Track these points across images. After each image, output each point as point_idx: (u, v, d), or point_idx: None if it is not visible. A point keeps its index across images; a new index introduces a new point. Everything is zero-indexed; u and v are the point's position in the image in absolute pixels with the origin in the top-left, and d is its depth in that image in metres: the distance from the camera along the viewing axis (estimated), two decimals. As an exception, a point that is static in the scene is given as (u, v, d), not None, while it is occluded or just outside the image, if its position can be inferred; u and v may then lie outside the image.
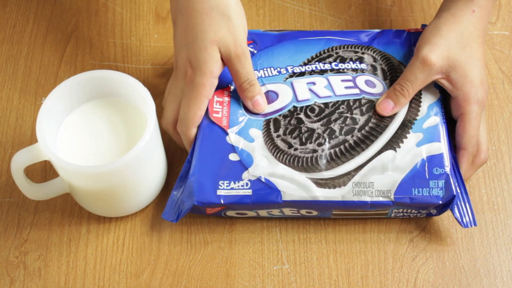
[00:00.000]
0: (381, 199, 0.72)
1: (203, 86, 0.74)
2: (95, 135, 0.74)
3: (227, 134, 0.76)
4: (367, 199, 0.72)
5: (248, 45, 0.81)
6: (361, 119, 0.76)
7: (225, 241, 0.76)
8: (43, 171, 0.80)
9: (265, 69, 0.80)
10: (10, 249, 0.76)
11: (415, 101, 0.77)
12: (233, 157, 0.74)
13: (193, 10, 0.74)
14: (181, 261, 0.75)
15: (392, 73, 0.79)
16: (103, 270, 0.74)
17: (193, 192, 0.73)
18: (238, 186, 0.73)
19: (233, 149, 0.75)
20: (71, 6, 0.92)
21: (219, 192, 0.73)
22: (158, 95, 0.84)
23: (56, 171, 0.73)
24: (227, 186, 0.73)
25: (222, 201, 0.72)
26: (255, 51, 0.81)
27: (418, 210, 0.74)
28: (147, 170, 0.73)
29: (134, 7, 0.91)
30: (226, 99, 0.78)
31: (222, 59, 0.75)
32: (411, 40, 0.81)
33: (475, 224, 0.73)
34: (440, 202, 0.72)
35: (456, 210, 0.72)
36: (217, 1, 0.74)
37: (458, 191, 0.73)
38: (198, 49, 0.73)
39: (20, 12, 0.91)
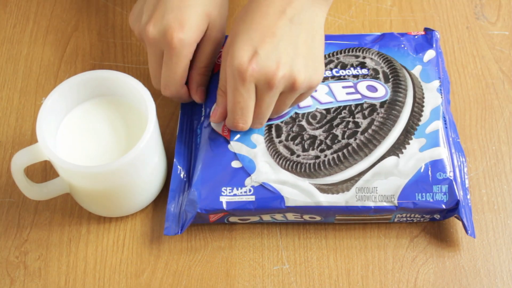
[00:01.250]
0: (384, 204, 0.72)
1: (183, 46, 0.73)
2: (95, 135, 0.73)
3: (229, 142, 0.75)
4: (371, 204, 0.72)
5: None
6: (364, 122, 0.75)
7: (225, 241, 0.76)
8: (43, 171, 0.80)
9: None
10: (10, 249, 0.76)
11: (418, 105, 0.76)
12: (235, 164, 0.74)
13: None
14: (181, 261, 0.75)
15: (394, 76, 0.78)
16: (103, 270, 0.74)
17: (196, 200, 0.73)
18: (241, 193, 0.73)
19: (235, 156, 0.75)
20: (71, 6, 0.91)
21: (222, 199, 0.73)
22: (158, 95, 0.83)
23: (56, 171, 0.73)
24: (230, 192, 0.73)
25: (225, 207, 0.72)
26: None
27: (422, 215, 0.74)
28: (147, 170, 0.73)
29: (134, 7, 0.91)
30: None
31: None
32: (412, 44, 0.81)
33: (474, 236, 0.73)
34: (444, 206, 0.72)
35: (464, 217, 0.72)
36: None
37: (462, 199, 0.73)
38: (189, 13, 0.72)
39: (20, 12, 0.91)
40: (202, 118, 0.78)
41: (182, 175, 0.76)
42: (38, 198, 0.74)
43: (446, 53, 0.86)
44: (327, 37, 0.81)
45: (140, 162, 0.70)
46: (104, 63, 0.87)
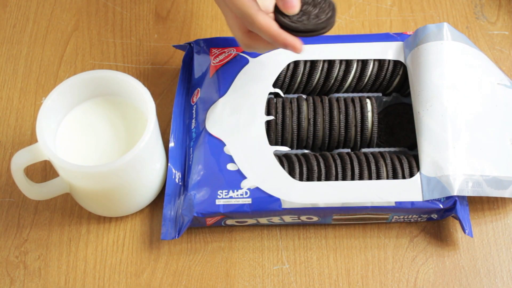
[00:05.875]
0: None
1: None
2: (95, 135, 0.74)
3: (224, 145, 0.75)
4: (368, 204, 0.72)
5: (243, 51, 0.80)
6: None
7: (225, 240, 0.76)
8: (43, 171, 0.80)
9: None
10: (10, 249, 0.76)
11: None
12: (231, 167, 0.74)
13: None
14: (181, 261, 0.75)
15: None
16: (103, 270, 0.75)
17: (193, 204, 0.73)
18: (237, 195, 0.72)
19: (231, 159, 0.74)
20: (71, 6, 0.92)
21: (218, 202, 0.72)
22: (158, 95, 0.84)
23: (56, 171, 0.73)
24: (225, 195, 0.72)
25: (222, 210, 0.72)
26: (250, 58, 0.80)
27: (419, 215, 0.74)
28: (147, 170, 0.73)
29: (134, 7, 0.91)
30: None
31: None
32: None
33: (471, 236, 0.73)
34: (441, 206, 0.72)
35: (461, 216, 0.72)
36: None
37: (459, 198, 0.72)
38: None
39: (20, 12, 0.91)
40: (194, 122, 0.78)
41: (177, 179, 0.76)
42: (38, 198, 0.74)
43: (446, 53, 0.86)
44: (324, 38, 0.80)
45: (140, 161, 0.70)
46: (104, 63, 0.87)
